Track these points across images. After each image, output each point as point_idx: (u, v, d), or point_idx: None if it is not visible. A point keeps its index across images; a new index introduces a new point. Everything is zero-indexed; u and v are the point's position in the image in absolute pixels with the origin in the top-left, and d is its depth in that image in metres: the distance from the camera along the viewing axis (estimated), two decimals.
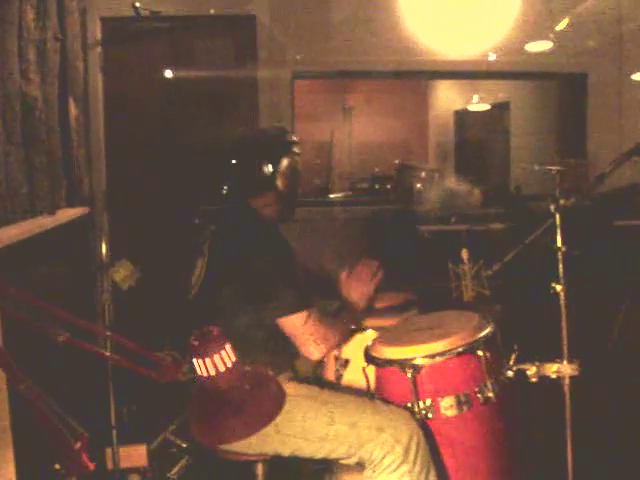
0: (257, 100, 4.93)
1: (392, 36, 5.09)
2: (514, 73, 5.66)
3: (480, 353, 2.30)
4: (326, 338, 2.45)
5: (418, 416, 2.30)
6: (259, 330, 2.45)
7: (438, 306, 2.85)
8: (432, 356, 2.30)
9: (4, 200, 2.81)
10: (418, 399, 2.30)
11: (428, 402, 2.30)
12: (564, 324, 2.48)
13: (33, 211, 3.13)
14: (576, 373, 2.48)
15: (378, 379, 2.45)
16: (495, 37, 5.21)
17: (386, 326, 2.72)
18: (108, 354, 1.50)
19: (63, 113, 3.84)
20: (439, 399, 2.29)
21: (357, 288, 2.72)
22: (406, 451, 2.21)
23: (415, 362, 2.30)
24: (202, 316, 2.54)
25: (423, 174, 5.35)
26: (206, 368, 1.44)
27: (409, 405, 2.32)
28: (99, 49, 4.68)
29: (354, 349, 2.61)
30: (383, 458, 2.23)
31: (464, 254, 2.92)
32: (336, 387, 2.62)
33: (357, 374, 2.52)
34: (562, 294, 2.48)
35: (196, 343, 1.46)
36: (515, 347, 2.45)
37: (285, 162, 2.61)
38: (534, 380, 2.46)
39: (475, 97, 7.33)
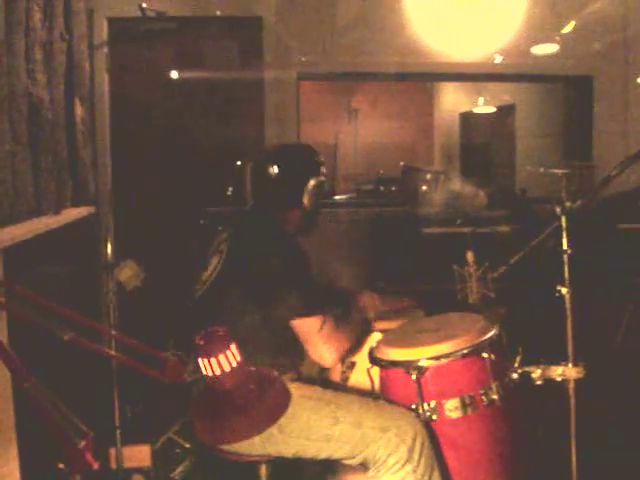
0: (262, 101, 4.93)
1: (398, 38, 5.09)
2: (520, 76, 5.66)
3: (485, 355, 2.30)
4: (339, 345, 2.46)
5: (422, 418, 2.30)
6: (268, 330, 2.46)
7: (443, 308, 2.85)
8: (437, 358, 2.30)
9: (10, 199, 2.82)
10: (423, 401, 2.30)
11: (432, 404, 2.30)
12: (569, 327, 2.48)
13: (39, 211, 3.13)
14: (581, 376, 2.47)
15: (382, 380, 2.45)
16: (501, 39, 5.21)
17: (391, 328, 2.73)
18: (113, 353, 1.50)
19: (69, 113, 3.84)
20: (444, 401, 2.29)
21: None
22: (410, 451, 2.21)
23: (420, 364, 2.30)
24: (210, 313, 2.56)
25: (428, 176, 5.34)
26: (211, 368, 1.44)
27: (413, 407, 2.32)
28: (105, 50, 4.68)
29: (361, 351, 2.61)
30: (387, 458, 2.23)
31: (469, 256, 2.92)
32: (342, 389, 2.62)
33: (363, 376, 2.52)
34: (567, 297, 2.47)
35: (201, 343, 1.46)
36: (520, 349, 2.45)
37: (312, 182, 2.63)
38: (539, 383, 2.45)
39: (481, 99, 7.33)
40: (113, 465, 3.01)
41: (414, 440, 2.22)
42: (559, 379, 2.47)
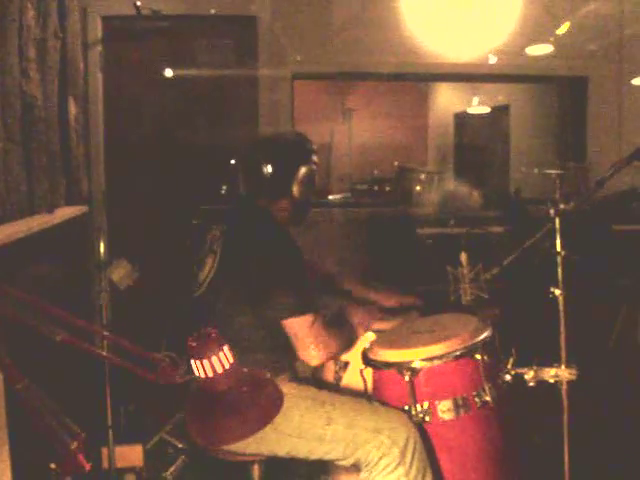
0: (257, 100, 4.93)
1: (392, 38, 5.08)
2: (514, 76, 5.66)
3: (478, 357, 2.30)
4: (327, 345, 2.44)
5: (415, 419, 2.29)
6: (263, 330, 2.46)
7: (436, 309, 2.85)
8: (430, 359, 2.30)
9: (3, 198, 2.81)
10: (415, 402, 2.30)
11: (425, 405, 2.29)
12: (562, 329, 2.48)
13: (31, 209, 3.12)
14: (574, 377, 2.48)
15: (376, 382, 2.45)
16: (496, 40, 5.21)
17: (385, 328, 2.72)
18: (106, 354, 1.49)
19: (63, 112, 3.83)
20: (436, 402, 2.29)
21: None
22: (403, 453, 2.21)
23: (413, 365, 2.30)
24: (208, 314, 2.54)
25: (423, 176, 5.35)
26: (204, 370, 1.44)
27: (406, 408, 2.32)
28: (99, 48, 4.67)
29: (354, 351, 2.60)
30: (380, 460, 2.23)
31: (463, 257, 2.92)
32: (335, 389, 2.62)
33: (356, 377, 2.52)
34: (561, 299, 2.48)
35: (194, 344, 1.45)
36: (513, 351, 2.45)
37: (303, 170, 2.61)
38: (532, 384, 2.46)
39: (475, 100, 7.33)
40: (105, 465, 3.01)
41: (407, 442, 2.22)
42: (552, 381, 2.48)
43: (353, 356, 2.60)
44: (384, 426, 2.25)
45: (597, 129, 5.44)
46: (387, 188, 6.30)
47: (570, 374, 2.47)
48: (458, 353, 2.30)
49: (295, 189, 2.60)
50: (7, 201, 2.85)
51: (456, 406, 2.28)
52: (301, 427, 2.31)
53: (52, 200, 3.46)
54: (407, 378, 2.29)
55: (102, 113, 4.73)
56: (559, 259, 2.51)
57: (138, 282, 3.04)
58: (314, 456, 2.34)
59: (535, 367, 2.45)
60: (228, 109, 4.89)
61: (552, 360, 2.50)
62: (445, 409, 2.28)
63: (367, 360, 2.46)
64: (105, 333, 1.63)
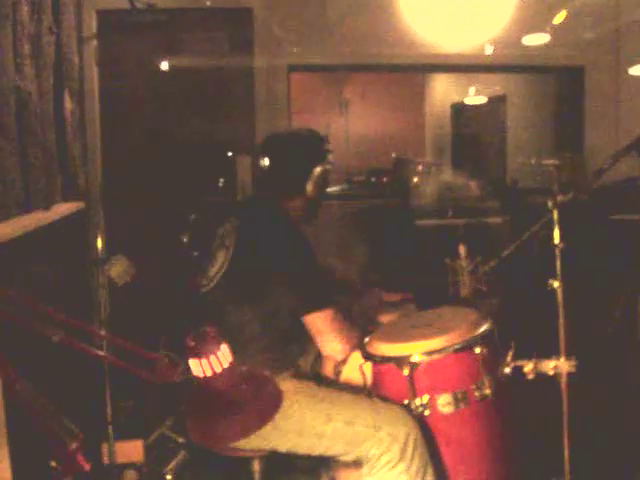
0: (253, 93, 4.92)
1: (389, 29, 5.07)
2: (511, 66, 5.66)
3: (477, 350, 2.29)
4: (351, 337, 2.46)
5: (415, 413, 2.29)
6: (273, 326, 2.45)
7: (435, 301, 2.85)
8: (429, 353, 2.29)
9: None
10: (415, 396, 2.29)
11: (425, 399, 2.29)
12: (561, 321, 2.48)
13: (28, 206, 3.11)
14: (573, 369, 2.47)
15: (375, 376, 2.44)
16: (492, 30, 5.20)
17: (384, 322, 2.72)
18: (104, 354, 1.49)
19: (58, 107, 3.81)
20: (436, 396, 2.28)
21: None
22: (403, 449, 2.21)
23: (412, 359, 2.29)
24: (217, 309, 2.52)
25: (420, 167, 5.35)
26: (202, 369, 1.44)
27: (406, 402, 2.31)
28: (94, 42, 4.66)
29: None
30: (380, 456, 2.23)
31: (461, 250, 2.92)
32: (334, 384, 2.61)
33: (356, 371, 2.51)
34: (559, 291, 2.47)
35: (192, 343, 1.45)
36: (512, 344, 2.45)
37: (318, 170, 2.60)
38: (531, 377, 2.45)
39: (472, 90, 7.32)
40: (105, 461, 3.00)
41: (407, 438, 2.21)
42: (551, 373, 2.47)
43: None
44: (384, 422, 2.24)
45: (594, 118, 5.44)
46: (384, 179, 6.30)
47: (569, 366, 2.47)
48: (457, 347, 2.29)
49: (309, 188, 2.60)
50: (3, 197, 2.84)
51: (456, 400, 2.27)
52: (301, 424, 2.31)
53: (48, 196, 3.44)
54: (406, 372, 2.28)
55: (98, 108, 4.72)
56: (557, 252, 2.51)
57: (136, 278, 3.03)
58: (315, 453, 2.34)
59: (534, 360, 2.45)
60: (224, 102, 4.89)
61: (551, 352, 2.50)
62: (445, 403, 2.28)
63: (366, 354, 2.45)
64: (103, 333, 1.63)
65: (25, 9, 3.21)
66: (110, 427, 2.94)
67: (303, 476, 3.11)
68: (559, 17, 5.07)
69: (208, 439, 1.64)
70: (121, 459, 3.07)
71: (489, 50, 5.21)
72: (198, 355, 1.43)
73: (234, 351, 1.50)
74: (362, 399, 2.38)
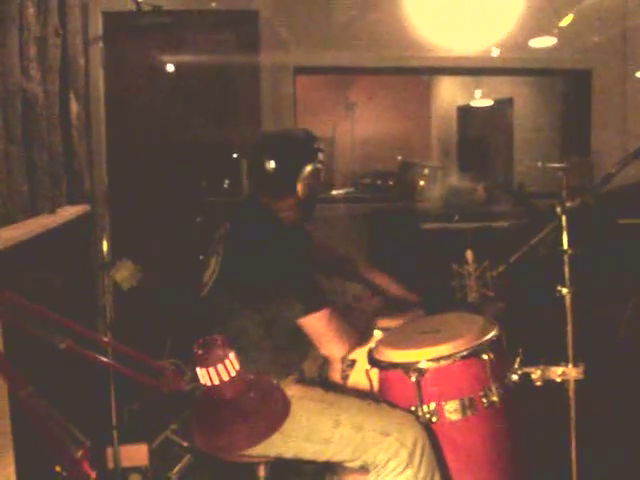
0: (259, 96, 4.91)
1: (395, 31, 5.05)
2: (517, 69, 5.63)
3: (485, 357, 2.28)
4: (349, 336, 2.46)
5: (422, 420, 2.28)
6: (269, 331, 2.43)
7: (441, 306, 2.83)
8: (437, 360, 2.28)
9: (4, 198, 2.79)
10: (422, 403, 2.28)
11: (432, 406, 2.28)
12: (570, 327, 2.46)
13: (33, 210, 3.10)
14: (581, 376, 2.46)
15: (381, 382, 2.43)
16: (499, 33, 5.18)
17: (391, 327, 2.70)
18: (110, 362, 1.48)
19: (64, 109, 3.81)
20: (443, 403, 2.27)
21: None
22: (411, 455, 2.19)
23: (419, 365, 2.28)
24: (212, 315, 2.52)
25: (426, 171, 5.33)
26: (209, 377, 1.42)
27: (413, 409, 2.30)
28: (100, 44, 4.65)
29: (361, 350, 2.58)
30: (387, 462, 2.22)
31: (468, 255, 2.90)
32: (342, 388, 2.60)
33: (363, 376, 2.50)
34: (568, 297, 2.45)
35: (199, 352, 1.44)
36: (520, 350, 2.43)
37: (308, 168, 2.55)
38: (539, 384, 2.44)
39: (478, 93, 7.29)
40: (111, 465, 3.00)
41: (415, 444, 2.20)
42: (559, 380, 2.46)
43: (360, 354, 2.58)
44: (392, 428, 2.23)
45: (601, 122, 5.41)
46: (390, 182, 6.27)
47: (577, 373, 2.45)
48: (465, 353, 2.28)
49: (299, 187, 2.54)
50: (9, 201, 2.83)
51: (463, 406, 2.26)
52: (308, 430, 2.30)
53: (54, 199, 3.44)
54: (413, 379, 2.27)
55: (104, 110, 4.71)
56: (566, 257, 2.49)
57: (141, 282, 3.03)
58: (321, 458, 2.33)
59: (542, 366, 2.43)
60: (230, 105, 4.88)
61: (559, 358, 2.48)
62: (452, 410, 2.26)
63: (373, 360, 2.44)
64: (108, 340, 1.61)
65: (31, 11, 3.21)
66: (115, 431, 2.94)
67: None
68: (566, 20, 5.05)
69: (214, 448, 1.63)
70: (126, 463, 3.07)
71: (496, 53, 5.19)
72: (205, 364, 1.42)
73: None
74: (370, 404, 2.36)
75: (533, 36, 5.15)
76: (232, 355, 1.44)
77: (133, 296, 3.05)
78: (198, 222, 4.22)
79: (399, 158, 5.74)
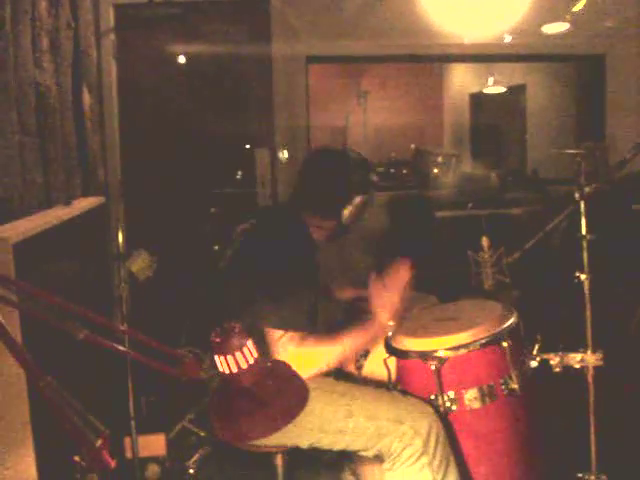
0: (271, 85, 4.89)
1: (407, 19, 5.02)
2: (531, 55, 5.59)
3: (504, 344, 2.27)
4: (305, 365, 2.26)
5: (442, 408, 2.27)
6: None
7: (457, 293, 2.82)
8: (456, 348, 2.27)
9: (19, 190, 2.80)
10: (442, 391, 2.27)
11: (452, 394, 2.27)
12: (588, 314, 2.45)
13: (48, 201, 3.11)
14: (600, 363, 2.45)
15: (400, 371, 2.43)
16: (511, 19, 5.14)
17: (406, 316, 2.69)
18: (129, 351, 1.48)
19: (77, 102, 3.81)
20: (463, 391, 2.26)
21: (385, 302, 2.48)
22: (425, 443, 2.19)
23: (439, 354, 2.27)
24: (224, 302, 2.53)
25: (440, 159, 5.32)
26: (228, 365, 1.42)
27: (432, 397, 2.29)
28: (112, 36, 4.64)
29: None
30: (402, 450, 2.21)
31: (484, 242, 2.89)
32: (356, 378, 2.59)
33: (378, 365, 2.49)
34: (586, 283, 2.44)
35: (217, 340, 1.43)
36: (538, 337, 2.42)
37: (360, 199, 2.53)
38: (558, 370, 2.43)
39: (491, 80, 7.25)
40: (129, 454, 3.01)
41: (429, 432, 2.20)
42: (578, 366, 2.45)
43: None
44: (406, 416, 2.23)
45: (616, 107, 5.36)
46: (404, 171, 6.26)
47: (596, 359, 2.44)
48: (484, 341, 2.26)
49: (346, 214, 2.52)
50: (24, 194, 2.84)
51: (482, 394, 2.25)
52: (322, 421, 2.29)
53: (69, 191, 3.45)
54: (433, 367, 2.26)
55: (116, 101, 4.70)
56: (584, 243, 2.47)
57: (157, 272, 3.03)
58: (337, 448, 2.33)
59: (561, 353, 2.42)
60: (242, 94, 4.87)
61: (576, 345, 2.47)
62: (472, 398, 2.26)
63: (391, 349, 2.43)
64: (127, 329, 1.61)
65: (43, 4, 3.21)
66: (133, 421, 2.95)
67: (326, 470, 3.10)
68: (579, 5, 5.00)
69: (233, 436, 1.63)
70: (144, 453, 3.08)
71: (508, 39, 5.15)
72: (224, 351, 1.41)
73: None
74: (383, 393, 2.36)
75: (546, 22, 5.10)
76: (250, 343, 1.44)
77: (148, 287, 3.06)
78: (212, 213, 4.23)
79: (412, 146, 5.73)
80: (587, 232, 2.47)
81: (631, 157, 2.66)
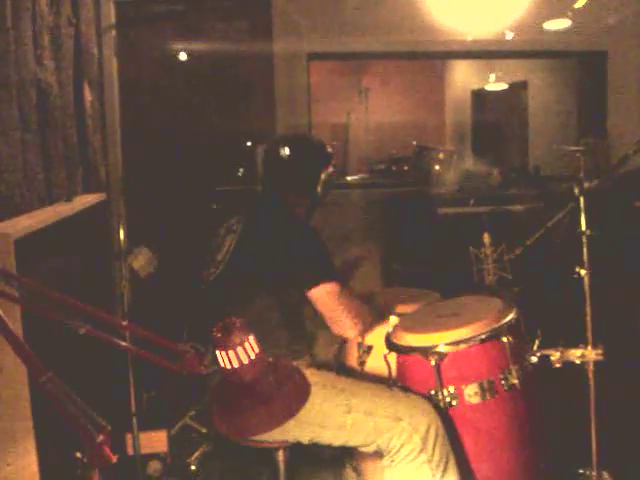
0: (273, 82, 4.90)
1: (408, 16, 5.02)
2: (532, 52, 5.58)
3: (504, 339, 2.27)
4: (361, 314, 2.46)
5: (442, 404, 2.28)
6: (281, 313, 2.47)
7: (458, 290, 2.82)
8: (456, 343, 2.27)
9: (21, 187, 2.80)
10: (442, 387, 2.28)
11: (452, 389, 2.28)
12: (588, 309, 2.45)
13: (50, 198, 3.11)
14: (600, 358, 2.45)
15: (400, 366, 2.43)
16: (513, 15, 5.13)
17: (408, 312, 2.70)
18: (130, 347, 1.48)
19: (78, 99, 3.81)
20: (463, 386, 2.27)
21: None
22: (424, 440, 2.20)
23: (439, 349, 2.28)
24: (225, 296, 2.56)
25: (441, 155, 5.31)
26: (229, 360, 1.42)
27: (432, 393, 2.30)
28: (113, 33, 4.64)
29: (378, 335, 2.58)
30: (401, 447, 2.22)
31: (485, 238, 2.89)
32: (358, 374, 2.60)
33: (381, 361, 2.49)
34: (586, 278, 2.44)
35: (219, 335, 1.43)
36: (539, 332, 2.42)
37: (327, 173, 2.70)
38: (558, 365, 2.43)
39: (492, 76, 7.25)
40: (130, 451, 3.01)
41: (428, 429, 2.20)
42: (578, 362, 2.45)
43: (377, 340, 2.58)
44: (404, 413, 2.23)
45: (617, 104, 5.36)
46: (405, 168, 6.25)
47: (597, 354, 2.45)
48: (484, 336, 2.27)
49: (319, 189, 2.68)
50: (25, 191, 2.84)
51: (482, 390, 2.26)
52: (321, 416, 2.30)
53: (70, 188, 3.45)
54: (433, 362, 2.26)
55: (117, 98, 4.70)
56: (584, 239, 2.48)
57: (158, 269, 3.04)
58: (336, 443, 2.33)
59: (561, 348, 2.42)
60: (244, 91, 4.87)
61: (576, 340, 2.48)
62: (472, 393, 2.26)
63: (391, 345, 2.43)
64: (128, 324, 1.61)
65: (44, 1, 3.21)
66: (134, 418, 2.95)
67: (327, 466, 3.11)
68: (581, 1, 5.00)
69: (234, 431, 1.63)
70: (145, 449, 3.08)
71: (509, 36, 5.14)
72: (225, 346, 1.42)
73: None
74: (382, 389, 2.37)
75: (548, 18, 5.10)
76: (251, 338, 1.44)
77: (150, 283, 3.06)
78: (213, 209, 4.23)
79: (414, 143, 5.73)
80: (587, 228, 2.47)
81: (633, 153, 2.65)
